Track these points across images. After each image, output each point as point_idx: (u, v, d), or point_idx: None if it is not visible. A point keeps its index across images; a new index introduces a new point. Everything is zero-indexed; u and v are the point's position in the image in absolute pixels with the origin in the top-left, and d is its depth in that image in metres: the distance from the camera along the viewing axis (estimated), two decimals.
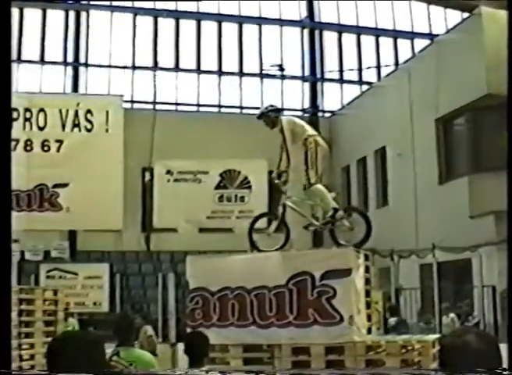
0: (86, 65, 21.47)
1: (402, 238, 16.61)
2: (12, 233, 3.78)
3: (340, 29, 23.01)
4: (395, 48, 23.20)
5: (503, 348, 2.79)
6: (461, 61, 15.80)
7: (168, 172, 19.90)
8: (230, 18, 22.40)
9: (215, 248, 14.14)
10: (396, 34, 23.17)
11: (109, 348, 4.97)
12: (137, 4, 21.60)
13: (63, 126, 19.05)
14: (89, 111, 19.18)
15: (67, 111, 19.06)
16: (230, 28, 22.41)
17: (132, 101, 21.27)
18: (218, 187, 20.04)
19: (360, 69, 23.05)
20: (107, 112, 19.30)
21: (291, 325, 7.57)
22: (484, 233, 14.16)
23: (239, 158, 19.90)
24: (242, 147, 19.59)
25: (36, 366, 8.60)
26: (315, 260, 7.71)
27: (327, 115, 22.89)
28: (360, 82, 23.07)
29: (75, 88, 21.22)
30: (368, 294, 7.96)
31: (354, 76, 23.21)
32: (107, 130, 19.31)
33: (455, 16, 21.40)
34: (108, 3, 21.81)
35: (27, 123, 18.75)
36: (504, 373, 2.48)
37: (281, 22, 22.67)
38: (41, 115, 18.90)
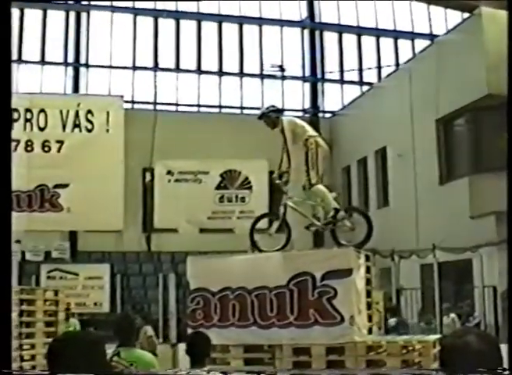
0: (86, 65, 21.45)
1: (403, 238, 16.60)
2: (12, 234, 3.79)
3: (341, 29, 23.00)
4: (395, 49, 23.19)
5: (504, 348, 2.80)
6: (461, 61, 15.80)
7: (169, 172, 19.90)
8: (231, 18, 22.39)
9: (215, 248, 14.12)
10: (396, 35, 23.16)
11: (110, 349, 4.97)
12: (138, 4, 21.62)
13: (64, 127, 19.04)
14: (89, 111, 19.17)
15: (68, 111, 19.05)
16: (231, 28, 22.40)
17: (132, 102, 21.26)
18: (218, 187, 20.05)
19: (360, 70, 23.04)
20: (107, 113, 19.30)
21: (292, 325, 7.57)
22: (484, 234, 14.15)
23: (239, 158, 19.91)
24: (242, 147, 19.59)
25: (37, 367, 8.60)
26: (316, 260, 7.72)
27: (327, 115, 22.89)
28: (361, 82, 23.06)
29: (75, 89, 21.21)
30: (368, 294, 7.96)
31: (355, 77, 23.20)
32: (107, 131, 19.30)
33: (455, 17, 21.39)
34: (108, 4, 21.80)
35: (28, 124, 18.74)
36: (505, 373, 2.49)
37: (281, 22, 22.66)
38: (42, 115, 18.89)
